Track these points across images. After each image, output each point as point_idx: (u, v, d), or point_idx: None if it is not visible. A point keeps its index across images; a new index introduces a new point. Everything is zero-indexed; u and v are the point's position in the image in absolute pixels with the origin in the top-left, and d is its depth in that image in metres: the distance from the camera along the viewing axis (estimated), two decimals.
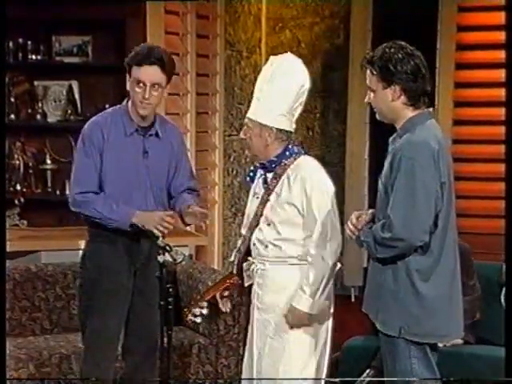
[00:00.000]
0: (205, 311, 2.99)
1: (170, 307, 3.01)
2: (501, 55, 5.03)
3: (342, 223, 6.14)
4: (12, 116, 4.98)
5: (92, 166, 3.19)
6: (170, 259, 3.07)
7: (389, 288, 2.77)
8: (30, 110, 5.00)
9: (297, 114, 3.05)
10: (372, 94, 2.84)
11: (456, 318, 2.82)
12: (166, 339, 3.03)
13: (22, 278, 3.99)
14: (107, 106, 4.28)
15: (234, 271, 3.11)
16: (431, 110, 2.85)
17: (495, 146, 5.00)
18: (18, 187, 4.92)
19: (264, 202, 3.02)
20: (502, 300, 3.81)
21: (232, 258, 3.17)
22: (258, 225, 3.02)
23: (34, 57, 4.92)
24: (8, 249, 4.18)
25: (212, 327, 3.95)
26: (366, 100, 2.89)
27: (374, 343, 4.06)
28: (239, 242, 3.15)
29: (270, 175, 3.03)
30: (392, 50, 2.82)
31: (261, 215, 3.02)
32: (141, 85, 3.13)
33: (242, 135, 3.07)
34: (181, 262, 3.06)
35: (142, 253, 3.23)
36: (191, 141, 5.17)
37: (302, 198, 2.97)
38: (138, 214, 3.16)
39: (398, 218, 2.69)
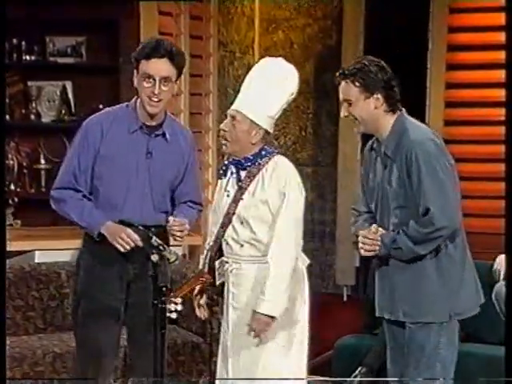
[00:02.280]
0: (179, 307, 2.96)
1: (163, 306, 3.00)
2: (492, 56, 5.06)
3: (335, 222, 6.10)
4: (6, 116, 4.96)
5: (75, 163, 3.02)
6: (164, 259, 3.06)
7: (431, 278, 2.89)
8: (23, 111, 4.99)
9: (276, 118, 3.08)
10: (349, 107, 2.93)
11: (478, 288, 3.01)
12: (159, 338, 3.03)
13: (16, 277, 3.99)
14: (101, 106, 4.27)
15: (205, 269, 3.07)
16: (404, 110, 2.98)
17: (488, 146, 5.03)
18: (12, 187, 4.90)
19: (237, 200, 2.98)
20: (493, 297, 3.83)
21: (202, 256, 3.14)
22: (230, 223, 2.99)
23: (28, 57, 4.91)
24: None
25: (205, 326, 3.94)
26: (342, 115, 2.97)
27: (366, 341, 4.08)
28: (209, 239, 3.10)
29: (243, 173, 3.00)
30: (367, 63, 2.94)
31: (233, 214, 2.98)
32: (150, 79, 2.95)
33: (222, 126, 3.00)
34: (174, 261, 3.05)
35: (134, 263, 3.07)
36: None
37: (275, 196, 2.96)
38: (108, 225, 3.00)
39: (436, 208, 2.83)
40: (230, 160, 3.05)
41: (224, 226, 3.01)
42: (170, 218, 3.03)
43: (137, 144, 3.04)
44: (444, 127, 5.34)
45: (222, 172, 3.08)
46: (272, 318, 2.93)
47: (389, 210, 2.92)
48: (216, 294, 3.10)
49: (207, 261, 3.07)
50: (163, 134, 3.07)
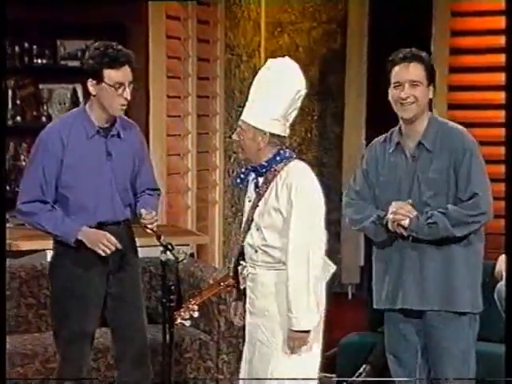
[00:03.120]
0: (196, 314, 2.96)
1: (172, 304, 2.99)
2: (494, 59, 5.04)
3: (339, 222, 6.10)
4: (18, 118, 4.97)
5: (40, 175, 3.02)
6: (172, 258, 3.05)
7: (460, 271, 2.95)
8: (35, 113, 4.99)
9: (291, 119, 2.96)
10: (414, 89, 2.94)
11: None
12: (167, 336, 3.02)
13: (27, 276, 3.98)
14: None
15: (231, 273, 3.05)
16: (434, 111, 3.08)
17: (491, 148, 5.02)
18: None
19: (254, 206, 2.94)
20: (495, 296, 3.80)
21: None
22: (249, 229, 2.96)
23: (39, 61, 4.92)
24: (14, 248, 4.20)
25: (213, 324, 3.93)
26: (404, 95, 2.94)
27: (370, 339, 4.06)
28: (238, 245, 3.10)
29: (260, 180, 2.95)
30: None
31: (252, 220, 2.95)
32: (121, 86, 2.98)
33: (234, 137, 2.97)
34: (182, 260, 3.04)
35: (112, 257, 3.09)
36: (192, 142, 5.16)
37: (287, 204, 2.88)
38: (84, 231, 3.03)
39: (483, 194, 2.92)
40: (248, 167, 2.98)
41: (245, 231, 2.98)
42: (142, 211, 3.06)
43: (96, 147, 3.08)
44: None
45: (239, 181, 2.99)
46: (306, 331, 2.86)
47: (420, 199, 2.94)
48: (237, 298, 3.07)
49: (232, 265, 3.06)
50: (118, 134, 3.11)
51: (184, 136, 5.13)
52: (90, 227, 3.08)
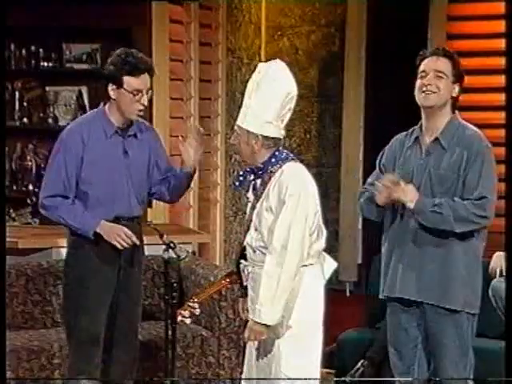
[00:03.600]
0: (197, 312, 2.97)
1: (174, 301, 3.01)
2: (488, 62, 5.06)
3: (338, 221, 6.11)
4: (25, 120, 5.00)
5: (62, 172, 3.13)
6: (174, 256, 3.07)
7: (458, 267, 2.94)
8: (41, 114, 5.02)
9: (286, 121, 2.94)
10: (438, 80, 2.96)
11: None
12: (170, 332, 3.04)
13: (34, 273, 4.00)
14: None
15: (235, 270, 3.06)
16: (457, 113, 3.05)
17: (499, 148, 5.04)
18: (31, 187, 4.93)
19: (253, 207, 2.96)
20: (490, 293, 3.82)
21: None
22: (249, 229, 2.97)
23: (45, 64, 4.94)
24: (20, 246, 4.23)
25: (214, 320, 3.96)
26: (427, 81, 2.96)
27: (368, 335, 4.08)
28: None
29: (258, 181, 2.96)
30: (456, 56, 3.03)
31: (251, 220, 2.96)
32: (139, 93, 3.10)
33: (232, 141, 3.00)
34: (184, 258, 3.07)
35: (126, 251, 3.17)
36: None
37: (277, 204, 2.88)
38: (102, 224, 3.12)
39: (490, 198, 2.93)
40: (247, 169, 2.99)
41: (245, 232, 3.00)
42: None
43: (114, 146, 3.19)
44: None
45: (238, 183, 2.99)
46: (264, 324, 2.85)
47: (430, 194, 2.96)
48: (241, 295, 3.08)
49: (234, 263, 3.07)
50: (134, 134, 3.22)
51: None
52: (107, 221, 3.16)
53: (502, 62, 4.88)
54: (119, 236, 3.12)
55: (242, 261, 3.01)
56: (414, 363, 3.04)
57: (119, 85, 3.12)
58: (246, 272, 3.01)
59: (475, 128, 3.04)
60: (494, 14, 4.94)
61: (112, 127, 3.18)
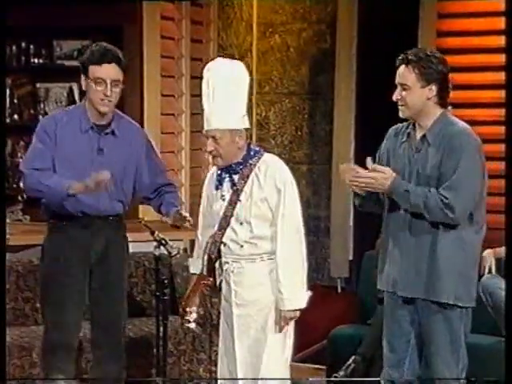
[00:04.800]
0: (195, 315, 2.97)
1: (165, 298, 2.99)
2: (479, 59, 5.05)
3: (329, 217, 6.09)
4: (15, 116, 4.96)
5: (39, 151, 3.11)
6: (166, 252, 3.05)
7: (446, 260, 2.89)
8: (32, 111, 4.99)
9: None
10: (404, 92, 2.92)
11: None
12: (161, 328, 3.02)
13: (24, 270, 3.98)
14: None
15: (204, 272, 3.05)
16: (450, 108, 2.99)
17: (487, 145, 5.02)
18: (21, 184, 4.88)
19: (233, 202, 2.95)
20: (480, 290, 3.80)
21: (198, 260, 3.07)
22: (228, 225, 2.96)
23: (36, 60, 4.91)
24: (11, 243, 4.18)
25: (205, 317, 3.93)
26: (394, 97, 2.95)
27: (359, 331, 4.07)
28: (204, 243, 3.05)
29: (236, 176, 2.97)
30: (430, 54, 2.93)
31: (231, 216, 2.95)
32: (102, 83, 3.06)
33: (208, 149, 2.95)
34: (175, 255, 3.04)
35: (95, 249, 3.14)
36: (186, 140, 5.15)
37: (273, 193, 2.93)
38: (77, 182, 3.03)
39: (462, 194, 2.85)
40: (223, 169, 3.00)
41: (222, 228, 2.98)
42: (174, 210, 3.12)
43: (89, 142, 3.14)
44: None
45: (218, 183, 3.01)
46: (299, 309, 2.94)
47: (431, 182, 2.91)
48: (215, 292, 3.08)
49: (205, 263, 3.04)
50: (112, 132, 3.17)
51: (178, 134, 5.13)
52: (73, 217, 3.13)
53: (492, 58, 4.89)
54: (93, 181, 3.00)
55: (222, 258, 2.99)
56: (406, 357, 3.02)
57: (86, 75, 3.11)
58: (225, 268, 2.99)
59: (465, 125, 2.98)
60: (484, 12, 4.93)
61: (88, 123, 3.14)
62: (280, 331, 2.95)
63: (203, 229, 3.08)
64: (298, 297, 2.94)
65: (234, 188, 2.97)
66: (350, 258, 5.48)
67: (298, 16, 5.80)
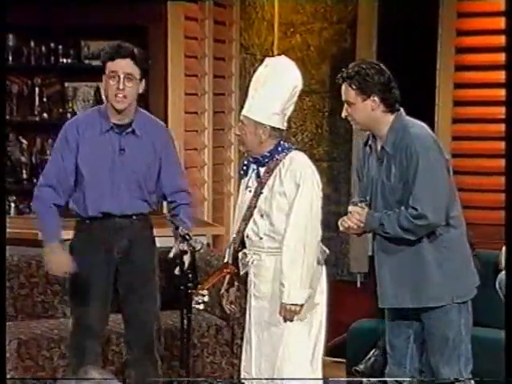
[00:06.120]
0: (206, 298, 2.99)
1: (189, 292, 3.01)
2: (498, 58, 5.02)
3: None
4: (45, 115, 5.01)
5: (58, 163, 3.11)
6: (190, 247, 3.07)
7: (430, 264, 2.86)
8: (60, 110, 5.02)
9: (289, 113, 3.02)
10: (349, 108, 2.93)
11: (474, 272, 2.98)
12: (185, 321, 3.04)
13: None
14: None
15: (230, 261, 3.07)
16: (402, 110, 2.94)
17: (493, 143, 4.99)
18: None
19: (257, 194, 2.98)
20: (497, 285, 3.80)
21: (227, 249, 3.12)
22: (251, 217, 2.99)
23: (64, 60, 4.95)
24: (40, 237, 4.22)
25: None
26: (342, 115, 2.97)
27: (379, 325, 4.05)
28: (233, 233, 3.10)
29: (262, 169, 2.99)
30: (365, 66, 2.92)
31: (254, 207, 2.98)
32: (115, 77, 3.02)
33: (236, 132, 3.03)
34: (199, 249, 3.06)
35: (119, 248, 3.13)
36: (208, 138, 5.18)
37: (292, 188, 2.94)
38: (51, 247, 3.09)
39: (427, 202, 2.79)
40: (250, 159, 3.04)
41: (246, 219, 3.01)
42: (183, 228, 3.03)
43: (109, 143, 3.11)
44: (452, 125, 5.31)
45: (243, 172, 3.07)
46: (297, 304, 2.91)
47: (387, 203, 2.88)
48: (241, 284, 3.10)
49: (231, 253, 3.07)
50: (133, 131, 3.11)
51: (201, 131, 5.15)
52: (96, 217, 3.12)
53: None
54: (49, 267, 3.10)
55: (245, 249, 3.02)
56: (406, 355, 3.00)
57: (104, 73, 3.09)
58: (245, 260, 3.01)
59: (417, 126, 2.89)
60: (503, 11, 4.89)
61: (108, 123, 3.10)
62: (297, 327, 2.92)
63: (236, 220, 3.12)
64: (298, 290, 2.90)
65: (259, 180, 3.00)
66: (370, 253, 5.47)
67: (319, 16, 5.80)
